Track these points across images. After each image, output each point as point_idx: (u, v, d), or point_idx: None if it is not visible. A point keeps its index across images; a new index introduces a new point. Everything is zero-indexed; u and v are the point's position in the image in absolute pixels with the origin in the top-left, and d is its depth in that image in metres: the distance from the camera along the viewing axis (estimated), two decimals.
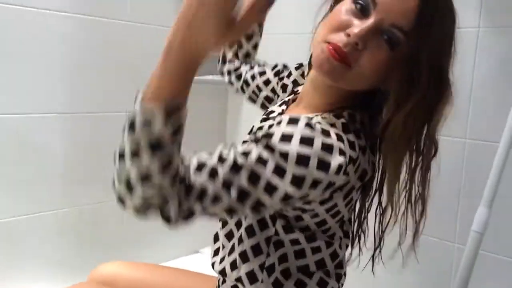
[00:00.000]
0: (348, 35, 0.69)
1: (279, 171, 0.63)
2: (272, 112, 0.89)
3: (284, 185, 0.63)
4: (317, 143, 0.64)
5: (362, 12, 0.71)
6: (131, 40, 1.65)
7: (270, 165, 0.63)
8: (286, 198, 0.65)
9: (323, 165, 0.64)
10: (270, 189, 0.63)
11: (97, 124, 1.60)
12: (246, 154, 0.64)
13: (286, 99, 0.92)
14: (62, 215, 1.55)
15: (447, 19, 0.72)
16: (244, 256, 0.78)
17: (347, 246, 0.85)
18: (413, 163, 0.75)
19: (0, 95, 1.36)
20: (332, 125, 0.70)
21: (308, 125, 0.65)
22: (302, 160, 0.63)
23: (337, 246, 0.81)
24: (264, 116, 0.90)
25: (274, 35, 1.57)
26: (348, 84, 0.74)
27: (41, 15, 1.42)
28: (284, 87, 1.00)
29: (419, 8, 0.69)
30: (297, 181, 0.63)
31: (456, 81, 1.29)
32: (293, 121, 0.65)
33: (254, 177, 0.63)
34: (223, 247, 0.83)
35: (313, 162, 0.63)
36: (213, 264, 0.84)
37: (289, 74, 1.00)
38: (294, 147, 0.63)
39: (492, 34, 1.29)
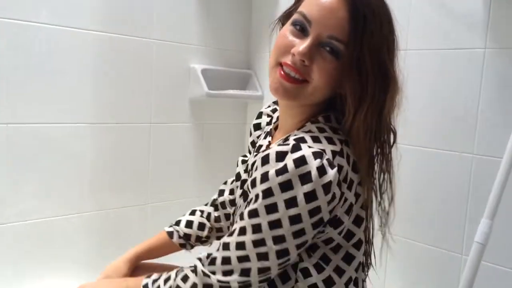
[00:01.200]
0: (293, 55, 0.76)
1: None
2: (261, 146, 0.92)
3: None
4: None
5: (302, 31, 0.77)
6: (155, 57, 1.72)
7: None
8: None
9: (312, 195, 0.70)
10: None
11: (122, 134, 1.67)
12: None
13: (269, 129, 0.96)
14: (89, 218, 1.62)
15: (381, 21, 0.76)
16: (272, 286, 0.80)
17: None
18: (378, 152, 0.81)
19: (37, 106, 1.45)
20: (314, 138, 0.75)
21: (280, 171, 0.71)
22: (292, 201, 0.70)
23: (357, 254, 0.84)
24: (255, 153, 0.93)
25: None
26: (307, 99, 0.79)
27: (75, 34, 1.51)
28: (253, 143, 1.04)
29: (350, 18, 0.74)
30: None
31: (465, 100, 1.34)
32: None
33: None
34: None
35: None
36: None
37: (256, 125, 1.05)
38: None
39: (498, 54, 1.33)
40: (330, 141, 0.76)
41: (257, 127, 1.04)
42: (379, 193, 0.85)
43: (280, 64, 0.78)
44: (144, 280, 0.85)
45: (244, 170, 0.95)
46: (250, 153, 1.06)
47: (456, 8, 1.42)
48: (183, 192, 1.87)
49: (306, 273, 0.79)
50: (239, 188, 0.96)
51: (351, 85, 0.76)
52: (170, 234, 1.09)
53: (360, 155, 0.78)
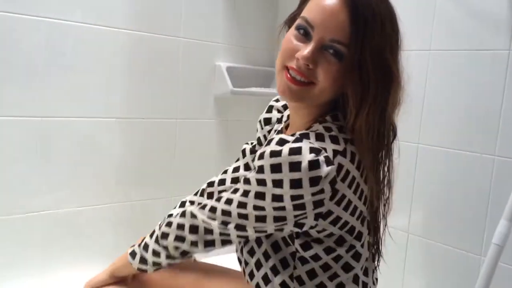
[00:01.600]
0: (298, 59, 0.79)
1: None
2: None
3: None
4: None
5: (305, 36, 0.80)
6: (181, 54, 1.78)
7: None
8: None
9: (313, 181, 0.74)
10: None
11: (149, 129, 1.73)
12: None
13: (279, 128, 1.00)
14: (117, 209, 1.69)
15: (382, 21, 0.77)
16: (274, 270, 0.86)
17: (369, 244, 0.91)
18: (378, 149, 0.83)
19: (69, 101, 1.52)
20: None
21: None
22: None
23: (359, 247, 0.87)
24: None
25: None
26: (314, 100, 0.82)
27: (106, 33, 1.57)
28: (264, 138, 1.08)
29: (350, 20, 0.76)
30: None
31: (488, 101, 1.34)
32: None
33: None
34: (247, 262, 0.91)
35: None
36: (247, 279, 0.93)
37: (265, 120, 1.09)
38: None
39: None
40: (334, 140, 0.79)
41: (267, 122, 1.07)
42: (382, 189, 0.88)
43: (286, 68, 0.82)
44: (129, 250, 1.00)
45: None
46: (255, 148, 1.10)
47: (480, 9, 1.42)
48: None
49: (303, 261, 0.84)
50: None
51: (353, 86, 0.79)
52: None
53: (363, 153, 0.80)
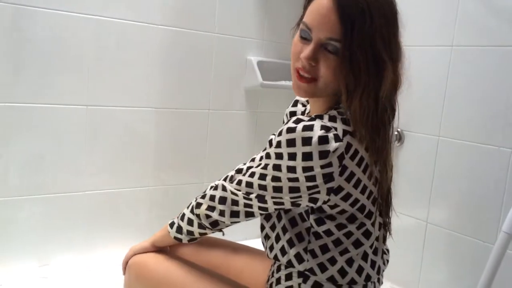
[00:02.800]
0: (302, 60, 0.90)
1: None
2: None
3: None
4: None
5: (306, 38, 0.90)
6: (215, 49, 1.88)
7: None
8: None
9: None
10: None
11: (183, 118, 1.84)
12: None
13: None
14: (151, 192, 1.81)
15: (372, 15, 0.85)
16: (291, 243, 0.95)
17: (380, 224, 0.98)
18: (374, 128, 0.89)
19: (112, 91, 1.65)
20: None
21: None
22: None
23: (369, 225, 0.94)
24: None
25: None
26: (323, 92, 0.92)
27: (145, 28, 1.69)
28: None
29: (340, 19, 0.86)
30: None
31: (507, 96, 1.37)
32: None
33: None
34: (268, 237, 1.01)
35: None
36: (267, 252, 1.01)
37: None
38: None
39: None
40: (345, 121, 0.88)
41: (293, 114, 1.16)
42: (386, 173, 0.95)
43: (296, 69, 0.93)
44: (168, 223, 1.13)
45: None
46: None
47: (503, 5, 1.45)
48: None
49: (317, 236, 0.93)
50: None
51: (345, 76, 0.88)
52: None
53: (361, 136, 0.88)
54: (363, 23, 0.86)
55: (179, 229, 1.09)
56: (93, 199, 1.68)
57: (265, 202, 0.93)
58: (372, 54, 0.87)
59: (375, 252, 0.99)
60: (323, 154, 0.84)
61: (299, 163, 0.85)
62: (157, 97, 1.77)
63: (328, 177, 0.85)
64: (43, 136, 1.54)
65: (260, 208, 0.95)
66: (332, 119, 0.88)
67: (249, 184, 0.94)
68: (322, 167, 0.84)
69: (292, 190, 0.89)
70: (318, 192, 0.87)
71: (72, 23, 1.54)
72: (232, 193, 0.97)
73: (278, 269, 1.00)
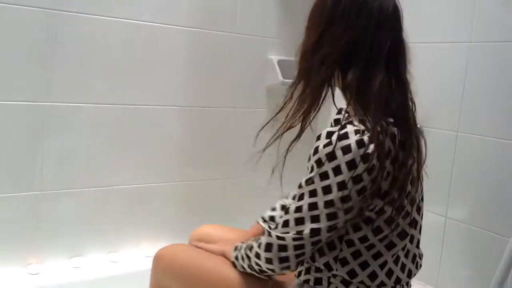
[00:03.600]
0: None
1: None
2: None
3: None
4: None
5: None
6: (237, 49, 1.93)
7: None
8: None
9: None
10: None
11: (207, 116, 1.89)
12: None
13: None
14: (177, 187, 1.86)
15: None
16: (320, 251, 0.94)
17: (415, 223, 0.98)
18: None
19: (139, 90, 1.72)
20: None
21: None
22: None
23: (405, 225, 0.93)
24: None
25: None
26: None
27: (170, 30, 1.75)
28: None
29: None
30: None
31: None
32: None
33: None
34: None
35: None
36: None
37: None
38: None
39: None
40: (375, 123, 0.87)
41: (337, 122, 1.15)
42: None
43: None
44: (235, 245, 1.09)
45: None
46: None
47: None
48: (257, 170, 2.08)
49: (350, 244, 0.92)
50: None
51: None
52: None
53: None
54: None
55: (236, 258, 1.07)
56: (121, 194, 1.75)
57: (318, 234, 0.89)
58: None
59: (406, 255, 0.98)
60: (365, 158, 0.83)
61: (346, 174, 0.83)
62: (182, 96, 1.83)
63: (375, 182, 0.85)
64: (76, 134, 1.62)
65: (313, 243, 0.90)
66: (362, 121, 0.87)
67: (299, 221, 0.89)
68: (368, 172, 0.84)
69: (347, 211, 0.87)
70: (368, 201, 0.86)
71: (101, 26, 1.61)
72: (279, 238, 0.92)
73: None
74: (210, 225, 1.34)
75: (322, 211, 0.87)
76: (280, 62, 2.01)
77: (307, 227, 0.88)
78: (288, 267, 0.95)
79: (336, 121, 1.13)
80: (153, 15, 1.71)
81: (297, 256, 0.92)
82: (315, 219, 0.88)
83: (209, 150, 1.94)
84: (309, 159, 0.89)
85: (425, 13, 1.71)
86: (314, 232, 0.89)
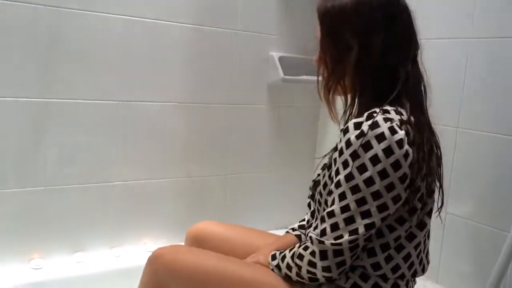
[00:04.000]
0: None
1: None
2: None
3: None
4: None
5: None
6: (238, 46, 1.93)
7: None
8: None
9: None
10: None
11: (208, 113, 1.90)
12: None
13: None
14: (179, 182, 1.88)
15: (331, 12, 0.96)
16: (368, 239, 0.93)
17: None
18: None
19: (141, 88, 1.73)
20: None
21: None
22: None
23: (425, 217, 0.96)
24: None
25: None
26: (346, 89, 1.01)
27: (171, 27, 1.75)
28: None
29: (318, 20, 0.98)
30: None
31: None
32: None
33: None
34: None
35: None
36: None
37: None
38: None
39: None
40: (397, 112, 0.90)
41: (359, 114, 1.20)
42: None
43: None
44: (272, 252, 1.06)
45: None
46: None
47: None
48: (258, 166, 2.09)
49: (391, 229, 0.92)
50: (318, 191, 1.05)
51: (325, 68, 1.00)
52: (299, 236, 1.22)
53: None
54: (323, 22, 0.96)
55: (278, 267, 1.02)
56: (123, 189, 1.76)
57: (372, 227, 0.87)
58: (336, 40, 0.95)
59: (423, 248, 0.99)
60: (399, 144, 0.84)
61: (385, 162, 0.83)
62: (183, 93, 1.84)
63: (411, 167, 0.86)
64: (78, 130, 1.64)
65: (366, 239, 0.89)
66: (385, 111, 0.89)
67: (349, 220, 0.86)
68: (405, 157, 0.85)
69: (395, 199, 0.86)
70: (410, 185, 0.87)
71: (102, 23, 1.62)
72: (333, 244, 0.88)
73: None
74: (206, 222, 1.32)
75: (372, 204, 0.85)
76: (281, 59, 2.02)
77: (360, 225, 0.86)
78: (344, 270, 0.92)
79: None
80: (153, 11, 1.72)
81: (352, 256, 0.90)
82: (366, 214, 0.86)
83: (210, 146, 1.95)
84: (341, 153, 0.88)
85: (424, 9, 1.71)
86: (369, 227, 0.87)
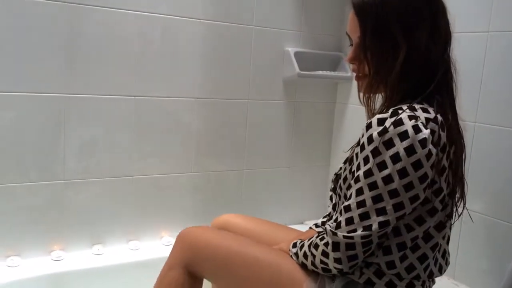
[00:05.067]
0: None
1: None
2: None
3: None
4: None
5: (351, 44, 0.97)
6: (254, 41, 1.94)
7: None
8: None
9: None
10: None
11: (224, 108, 1.92)
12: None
13: None
14: (195, 177, 1.90)
15: (382, 4, 0.90)
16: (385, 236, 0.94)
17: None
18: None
19: (157, 82, 1.75)
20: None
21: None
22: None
23: (443, 218, 0.94)
24: None
25: None
26: (377, 88, 0.97)
27: (187, 23, 1.77)
28: None
29: (357, 19, 0.92)
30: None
31: None
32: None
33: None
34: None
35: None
36: None
37: None
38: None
39: None
40: (424, 110, 0.88)
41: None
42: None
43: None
44: (293, 242, 1.08)
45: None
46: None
47: None
48: (274, 161, 2.09)
49: (409, 228, 0.91)
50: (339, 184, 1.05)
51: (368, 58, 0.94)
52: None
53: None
54: (371, 17, 0.91)
55: (296, 255, 1.04)
56: (140, 184, 1.79)
57: (387, 225, 0.86)
58: (383, 38, 0.90)
59: (439, 250, 0.98)
60: (423, 143, 0.83)
61: (406, 161, 0.82)
62: (199, 88, 1.86)
63: (433, 168, 0.84)
64: (96, 125, 1.67)
65: (380, 237, 0.88)
66: (411, 108, 0.87)
67: (364, 216, 0.86)
68: (427, 157, 0.83)
69: (413, 199, 0.85)
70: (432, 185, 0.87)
71: (120, 19, 1.65)
72: (346, 237, 0.89)
73: None
74: (231, 214, 1.35)
75: (388, 202, 0.84)
76: (296, 54, 2.02)
77: (374, 222, 0.85)
78: (356, 264, 0.91)
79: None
80: (170, 7, 1.74)
81: (365, 252, 0.90)
82: (381, 211, 0.85)
83: (226, 141, 1.97)
84: (363, 148, 0.87)
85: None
86: (383, 225, 0.86)
